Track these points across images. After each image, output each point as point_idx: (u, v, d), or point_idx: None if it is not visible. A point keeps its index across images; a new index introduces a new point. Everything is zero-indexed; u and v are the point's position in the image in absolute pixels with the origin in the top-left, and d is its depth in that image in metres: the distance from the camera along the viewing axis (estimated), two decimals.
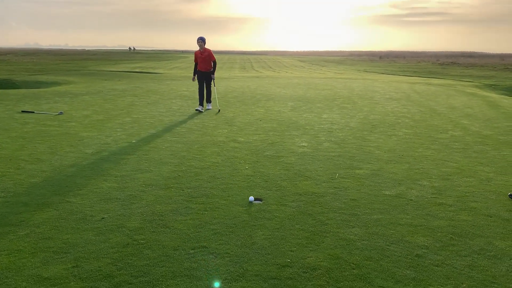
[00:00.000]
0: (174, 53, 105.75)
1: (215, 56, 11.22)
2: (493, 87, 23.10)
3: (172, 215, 4.10)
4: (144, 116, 9.83)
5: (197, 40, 10.73)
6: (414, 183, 5.18)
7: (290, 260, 3.25)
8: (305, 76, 25.69)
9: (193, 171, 5.53)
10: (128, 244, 3.49)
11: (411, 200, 4.59)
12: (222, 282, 2.94)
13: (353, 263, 3.20)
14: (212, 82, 11.10)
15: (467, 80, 26.31)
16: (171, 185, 4.96)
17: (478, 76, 29.79)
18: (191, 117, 9.84)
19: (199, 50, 10.77)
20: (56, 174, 5.33)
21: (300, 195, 4.72)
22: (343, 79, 23.40)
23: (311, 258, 3.28)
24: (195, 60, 10.95)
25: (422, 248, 3.46)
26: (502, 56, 68.33)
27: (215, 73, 11.09)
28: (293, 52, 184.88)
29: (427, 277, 3.02)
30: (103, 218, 4.00)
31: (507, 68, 39.09)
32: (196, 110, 10.74)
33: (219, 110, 10.93)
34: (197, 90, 11.29)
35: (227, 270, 3.10)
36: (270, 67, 41.91)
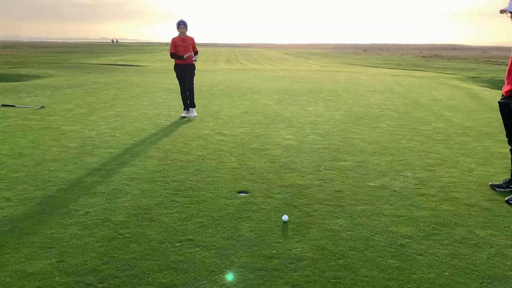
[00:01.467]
0: (158, 46, 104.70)
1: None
2: (474, 79, 23.46)
3: (158, 208, 4.08)
4: (128, 110, 9.73)
5: (178, 25, 8.65)
6: (398, 174, 5.25)
7: (276, 251, 3.27)
8: (290, 69, 25.72)
9: (179, 164, 5.51)
10: (113, 238, 3.47)
11: (395, 191, 4.65)
12: (209, 275, 2.95)
13: (338, 254, 3.24)
14: (192, 78, 8.99)
15: (449, 72, 26.67)
16: (156, 179, 4.93)
17: (461, 68, 30.22)
18: (176, 110, 9.77)
19: (180, 36, 8.70)
20: (38, 168, 5.25)
21: (285, 187, 4.74)
22: (328, 71, 23.50)
23: (297, 249, 3.31)
24: (172, 49, 8.75)
25: (405, 238, 3.52)
26: (483, 49, 69.33)
27: (196, 55, 8.95)
28: (278, 44, 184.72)
29: (411, 266, 3.07)
30: (87, 212, 3.97)
31: (488, 60, 39.70)
32: (182, 117, 8.89)
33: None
34: (179, 90, 9.29)
35: (213, 262, 3.11)
36: (255, 60, 41.83)
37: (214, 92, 13.12)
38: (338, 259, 3.17)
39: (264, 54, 59.04)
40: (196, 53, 9.01)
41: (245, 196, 4.47)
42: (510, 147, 4.74)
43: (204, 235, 3.54)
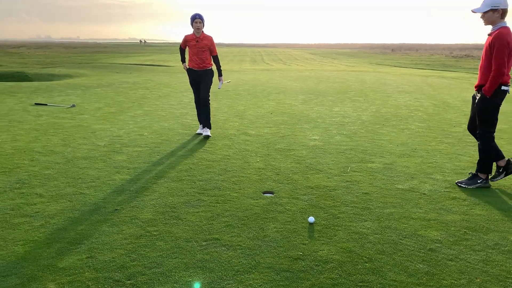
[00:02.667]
0: None
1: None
2: None
3: (184, 207, 4.12)
4: (156, 109, 9.86)
5: (193, 19, 6.86)
6: (427, 177, 5.13)
7: (302, 253, 3.25)
8: (316, 69, 25.55)
9: (205, 163, 5.55)
10: (141, 235, 3.51)
11: (424, 194, 4.55)
12: (234, 274, 2.95)
13: (365, 257, 3.19)
14: (208, 87, 7.10)
15: None
16: (183, 178, 4.98)
17: None
18: None
19: (194, 34, 6.95)
20: (69, 166, 5.38)
21: (311, 188, 4.70)
22: (355, 72, 23.23)
23: (323, 251, 3.27)
24: (183, 45, 7.30)
25: (435, 242, 3.44)
26: None
27: (221, 72, 7.34)
28: (303, 44, 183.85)
29: (441, 271, 3.00)
30: (116, 209, 4.04)
31: None
32: (197, 133, 7.28)
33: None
34: (193, 103, 7.78)
35: (239, 262, 3.11)
36: (281, 60, 41.76)
37: (240, 92, 13.16)
38: (366, 262, 3.12)
39: (290, 54, 58.88)
40: (217, 61, 7.19)
41: (271, 196, 4.46)
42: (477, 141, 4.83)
43: (230, 234, 3.55)
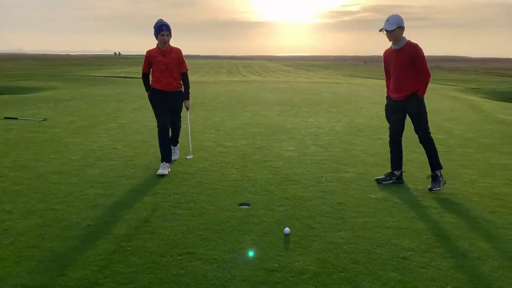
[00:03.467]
0: None
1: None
2: (475, 91, 23.51)
3: (159, 221, 4.07)
4: (130, 122, 9.76)
5: (159, 29, 5.57)
6: (399, 186, 5.24)
7: (278, 264, 3.26)
8: (291, 81, 25.83)
9: (180, 176, 5.51)
10: (114, 251, 3.46)
11: (396, 203, 4.64)
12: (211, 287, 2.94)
13: (340, 267, 3.22)
14: (186, 113, 6.19)
15: (450, 84, 26.72)
16: (158, 191, 4.93)
17: (461, 80, 30.30)
18: None
19: (158, 47, 5.69)
20: (40, 181, 5.26)
21: (287, 199, 4.73)
22: (329, 83, 23.59)
23: (299, 262, 3.29)
24: (146, 68, 5.80)
25: (408, 250, 3.50)
26: (483, 60, 69.59)
27: (188, 95, 6.00)
28: (279, 57, 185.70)
29: (413, 279, 3.05)
30: (89, 225, 3.96)
31: (489, 72, 39.83)
32: (159, 174, 5.52)
33: (191, 156, 6.08)
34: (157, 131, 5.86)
35: (215, 276, 3.09)
36: (257, 72, 42.03)
37: (216, 104, 13.17)
38: (340, 272, 3.15)
39: (266, 66, 59.32)
40: (186, 75, 5.93)
41: (247, 208, 4.46)
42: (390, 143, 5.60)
43: (205, 248, 3.53)
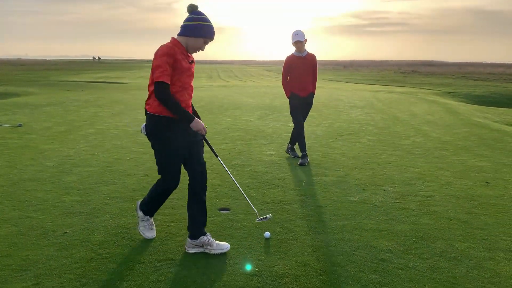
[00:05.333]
0: (140, 63, 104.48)
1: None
2: (451, 95, 24.01)
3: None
4: (108, 127, 9.64)
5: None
6: (378, 188, 5.30)
7: (258, 269, 3.25)
8: (272, 85, 25.91)
9: None
10: (92, 258, 3.39)
11: (375, 205, 4.68)
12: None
13: (320, 270, 3.23)
14: None
15: (427, 88, 27.25)
16: (137, 197, 4.87)
17: (438, 84, 30.91)
18: None
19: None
20: (15, 188, 5.13)
21: (267, 203, 4.73)
22: None
23: (279, 266, 3.28)
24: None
25: (386, 252, 3.54)
26: (459, 65, 71.20)
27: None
28: (259, 61, 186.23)
29: (392, 280, 3.08)
30: (65, 232, 3.88)
31: (464, 76, 40.74)
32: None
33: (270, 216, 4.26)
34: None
35: (194, 281, 3.06)
36: (237, 76, 42.06)
37: (196, 109, 13.07)
38: (320, 275, 3.15)
39: (246, 71, 59.43)
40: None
41: (227, 213, 4.44)
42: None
43: (184, 254, 3.49)
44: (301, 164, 6.40)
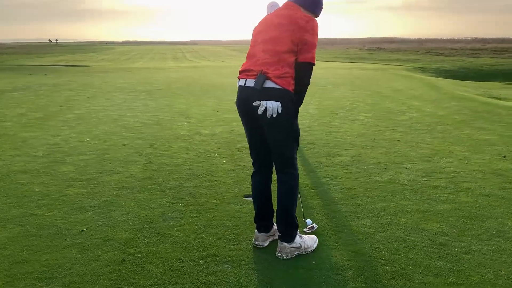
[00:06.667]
0: (99, 45, 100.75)
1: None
2: (422, 70, 24.30)
3: (162, 221, 3.62)
4: (88, 111, 8.99)
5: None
6: (399, 167, 5.08)
7: (315, 262, 2.94)
8: None
9: (167, 169, 5.03)
10: (123, 260, 2.98)
11: (405, 184, 4.46)
12: None
13: (381, 259, 2.96)
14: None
15: (396, 64, 27.48)
16: (149, 187, 4.44)
17: (405, 60, 31.26)
18: (141, 110, 9.15)
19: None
20: (7, 182, 4.58)
21: None
22: None
23: (336, 258, 2.99)
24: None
25: (441, 235, 3.31)
26: (420, 41, 72.54)
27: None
28: (223, 41, 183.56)
29: (463, 267, 2.85)
30: (82, 231, 3.43)
31: (429, 52, 41.46)
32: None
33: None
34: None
35: (250, 280, 2.72)
36: (204, 57, 41.13)
37: (175, 91, 12.54)
38: (385, 265, 2.89)
39: (211, 51, 58.30)
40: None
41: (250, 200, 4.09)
42: None
43: (227, 248, 3.14)
44: None
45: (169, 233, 3.38)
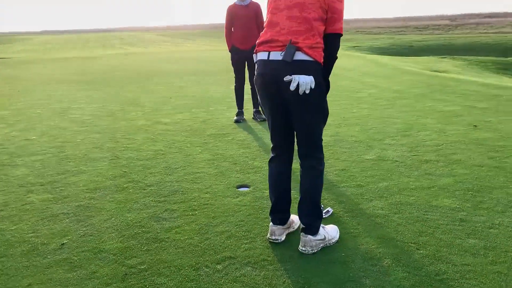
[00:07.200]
0: (10, 35, 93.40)
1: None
2: (357, 48, 24.92)
3: (155, 223, 3.17)
4: (26, 107, 8.06)
5: None
6: (382, 143, 4.96)
7: (345, 253, 2.68)
8: (184, 50, 24.56)
9: (139, 164, 4.52)
10: (126, 274, 2.53)
11: (396, 161, 4.33)
12: None
13: (411, 243, 2.76)
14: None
15: None
16: (125, 185, 3.93)
17: None
18: (86, 102, 8.37)
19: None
20: None
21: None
22: (223, 50, 22.88)
23: (364, 246, 2.75)
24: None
25: (458, 211, 3.19)
26: (346, 21, 74.69)
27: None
28: (147, 27, 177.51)
29: (496, 243, 2.73)
30: (63, 244, 2.91)
31: (358, 31, 42.76)
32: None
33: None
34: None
35: (283, 282, 2.40)
36: (135, 44, 39.39)
37: (117, 79, 11.70)
38: (417, 249, 2.69)
39: (139, 38, 56.08)
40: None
41: (249, 190, 3.75)
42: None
43: (241, 248, 2.78)
44: (236, 122, 6.25)
45: (168, 237, 2.95)
